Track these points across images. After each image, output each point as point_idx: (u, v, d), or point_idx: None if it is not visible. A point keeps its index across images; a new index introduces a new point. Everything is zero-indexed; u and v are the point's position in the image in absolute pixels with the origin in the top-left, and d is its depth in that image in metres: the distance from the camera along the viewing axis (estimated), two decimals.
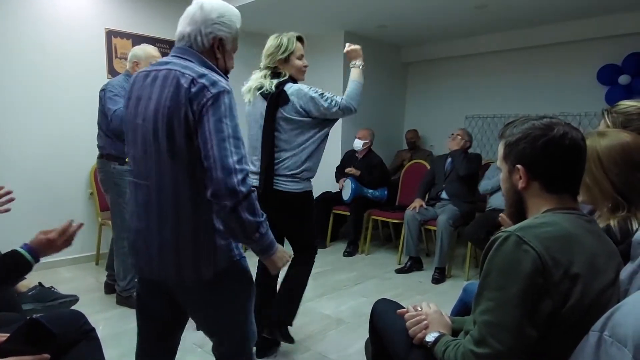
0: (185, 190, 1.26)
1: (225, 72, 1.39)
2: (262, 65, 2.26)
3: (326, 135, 2.27)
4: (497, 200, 3.74)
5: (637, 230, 1.18)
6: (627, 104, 1.54)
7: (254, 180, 2.21)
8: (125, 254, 2.92)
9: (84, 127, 3.62)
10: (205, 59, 1.33)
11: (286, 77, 2.20)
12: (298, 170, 2.18)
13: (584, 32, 4.48)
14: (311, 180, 2.29)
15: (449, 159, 4.14)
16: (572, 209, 1.12)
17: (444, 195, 4.08)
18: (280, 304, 2.34)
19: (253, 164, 2.26)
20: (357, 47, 2.32)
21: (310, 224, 2.38)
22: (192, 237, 1.28)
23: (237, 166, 1.19)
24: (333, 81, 5.11)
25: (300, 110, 2.15)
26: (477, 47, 5.27)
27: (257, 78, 2.23)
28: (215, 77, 1.24)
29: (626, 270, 1.09)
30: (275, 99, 2.14)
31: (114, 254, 3.02)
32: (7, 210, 1.87)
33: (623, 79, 4.31)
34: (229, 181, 1.17)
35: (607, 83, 4.45)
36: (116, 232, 2.97)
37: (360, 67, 2.30)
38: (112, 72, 3.93)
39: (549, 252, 0.99)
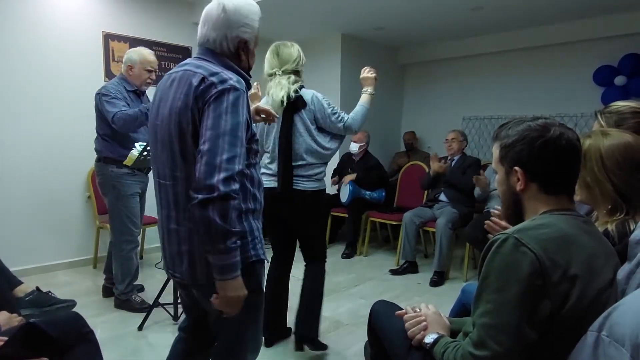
0: None
1: (248, 70, 1.39)
2: (284, 69, 2.26)
3: (334, 151, 2.37)
4: (494, 203, 3.74)
5: (633, 230, 1.18)
6: (619, 104, 1.56)
7: (268, 182, 2.27)
8: (123, 257, 2.91)
9: (81, 130, 3.62)
10: (228, 61, 1.33)
11: (303, 83, 2.30)
12: (314, 172, 2.29)
13: (580, 33, 4.50)
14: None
15: (450, 160, 4.16)
16: (569, 210, 1.12)
17: (442, 197, 4.09)
18: (305, 321, 2.40)
19: (267, 167, 2.35)
20: (372, 75, 2.44)
21: (324, 226, 2.47)
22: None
23: (224, 164, 1.14)
24: (330, 84, 5.11)
25: (313, 115, 2.26)
26: (473, 48, 5.29)
27: (286, 84, 2.22)
28: (227, 75, 1.23)
29: (623, 271, 1.10)
30: (294, 104, 2.22)
31: (112, 257, 3.01)
32: None
33: (619, 80, 4.33)
34: (209, 177, 1.13)
35: (604, 84, 4.47)
36: (114, 236, 2.95)
37: (371, 94, 2.42)
38: (109, 75, 3.93)
39: (547, 253, 0.99)
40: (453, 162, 4.13)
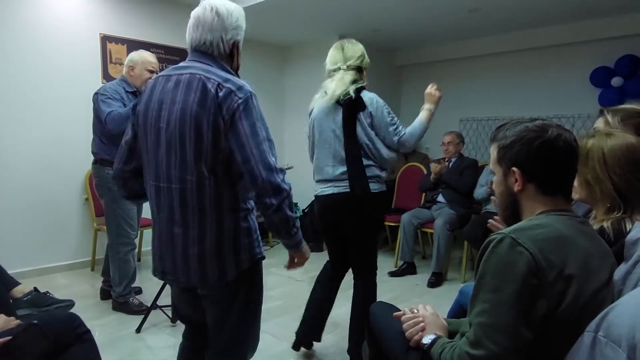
0: (209, 192, 1.28)
1: (237, 70, 1.43)
2: (347, 65, 2.15)
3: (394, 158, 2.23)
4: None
5: (630, 230, 1.19)
6: (628, 105, 1.63)
7: (324, 189, 2.19)
8: (120, 259, 2.91)
9: (79, 132, 3.61)
10: (223, 63, 1.36)
11: (365, 84, 2.18)
12: (379, 173, 2.18)
13: (576, 34, 4.52)
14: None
15: (447, 162, 4.17)
16: (566, 210, 1.13)
17: (440, 198, 4.09)
18: (355, 335, 2.25)
19: (320, 172, 2.22)
20: (437, 93, 2.27)
21: (378, 234, 2.38)
22: (217, 238, 1.30)
23: (276, 165, 1.25)
24: None
25: (371, 119, 2.11)
26: (470, 50, 5.31)
27: (347, 82, 2.11)
28: (239, 81, 1.28)
29: (620, 271, 1.10)
30: (354, 104, 2.10)
31: (109, 260, 3.00)
32: None
33: (616, 81, 4.35)
34: (273, 180, 1.23)
35: (600, 85, 4.48)
36: (111, 238, 2.95)
37: (431, 111, 2.24)
38: (106, 77, 3.92)
39: (543, 253, 0.99)
40: (451, 164, 4.14)
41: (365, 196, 2.11)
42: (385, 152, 2.15)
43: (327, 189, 2.19)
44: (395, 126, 2.14)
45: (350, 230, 2.22)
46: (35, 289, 2.26)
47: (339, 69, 2.15)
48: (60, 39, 3.70)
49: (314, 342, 2.45)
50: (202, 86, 1.25)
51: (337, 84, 2.11)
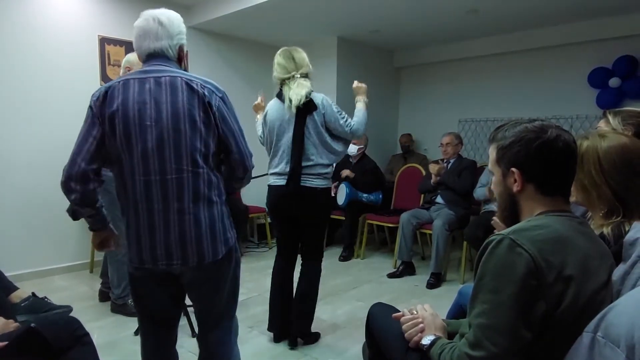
0: (202, 180, 1.42)
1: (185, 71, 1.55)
2: (300, 73, 2.37)
3: (344, 152, 2.53)
4: (492, 203, 3.75)
5: (628, 231, 1.19)
6: (631, 108, 1.65)
7: (277, 180, 2.43)
8: (119, 261, 2.90)
9: (77, 134, 3.60)
10: (179, 66, 1.50)
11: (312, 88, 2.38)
12: (324, 171, 2.41)
13: (574, 35, 4.53)
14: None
15: (446, 163, 4.17)
16: (565, 211, 1.13)
17: (439, 199, 4.09)
18: (299, 318, 2.52)
19: (276, 167, 2.44)
20: (363, 85, 2.58)
21: (326, 224, 2.60)
22: (210, 221, 1.44)
23: (249, 151, 1.54)
24: (326, 87, 5.12)
25: (323, 118, 2.35)
26: (469, 51, 5.31)
27: (305, 86, 2.32)
28: (212, 81, 1.47)
29: (618, 271, 1.10)
30: (307, 106, 2.31)
31: (108, 262, 3.00)
32: None
33: (613, 82, 4.36)
34: (250, 164, 1.54)
35: (598, 86, 4.49)
36: None
37: (365, 102, 2.55)
38: (105, 78, 3.92)
39: (542, 254, 0.99)
40: (449, 165, 4.14)
41: (301, 191, 2.36)
42: (335, 146, 2.42)
43: (279, 180, 2.42)
44: (344, 119, 2.40)
45: (298, 221, 2.49)
46: (34, 294, 2.25)
47: (293, 77, 2.35)
48: (58, 41, 3.70)
49: (298, 338, 2.55)
50: (187, 86, 1.39)
51: (299, 90, 2.30)
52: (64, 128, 3.73)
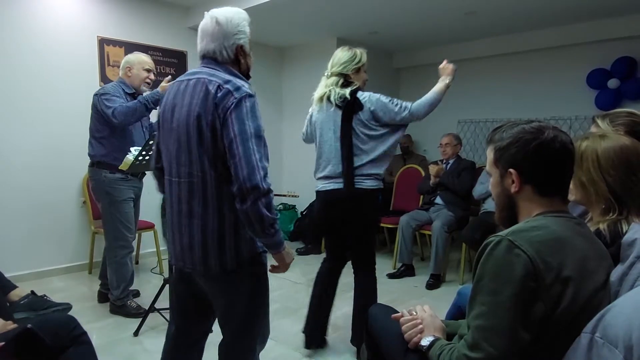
0: (211, 186, 1.37)
1: (248, 71, 1.52)
2: (330, 72, 2.35)
3: (397, 141, 2.37)
4: (491, 203, 3.76)
5: (626, 232, 1.19)
6: (617, 110, 1.68)
7: (325, 185, 2.33)
8: (118, 262, 2.90)
9: (76, 135, 3.60)
10: (230, 67, 1.45)
11: (358, 86, 2.31)
12: (375, 172, 2.29)
13: (573, 36, 4.54)
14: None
15: (445, 164, 4.18)
16: (563, 211, 1.13)
17: (438, 200, 4.10)
18: (358, 327, 2.37)
19: (321, 170, 2.36)
20: (450, 65, 2.42)
21: (375, 230, 2.53)
22: (218, 229, 1.39)
23: (259, 163, 1.31)
24: None
25: (373, 115, 2.24)
26: (467, 52, 5.32)
27: (328, 85, 2.31)
28: (239, 82, 1.37)
29: (616, 272, 1.10)
30: (352, 106, 2.24)
31: (107, 263, 2.99)
32: None
33: (612, 83, 4.37)
34: (252, 177, 1.29)
35: (597, 87, 4.50)
36: (108, 241, 2.94)
37: (447, 83, 2.38)
38: (104, 79, 3.92)
39: (541, 255, 0.99)
40: (448, 166, 4.14)
41: (354, 193, 2.23)
42: (381, 148, 2.28)
43: (328, 185, 2.32)
44: (397, 104, 2.26)
45: (348, 225, 2.34)
46: (32, 292, 2.25)
47: (325, 75, 2.38)
48: (58, 42, 3.70)
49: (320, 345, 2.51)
50: (204, 88, 1.35)
51: (322, 89, 2.32)
52: (63, 129, 3.73)
